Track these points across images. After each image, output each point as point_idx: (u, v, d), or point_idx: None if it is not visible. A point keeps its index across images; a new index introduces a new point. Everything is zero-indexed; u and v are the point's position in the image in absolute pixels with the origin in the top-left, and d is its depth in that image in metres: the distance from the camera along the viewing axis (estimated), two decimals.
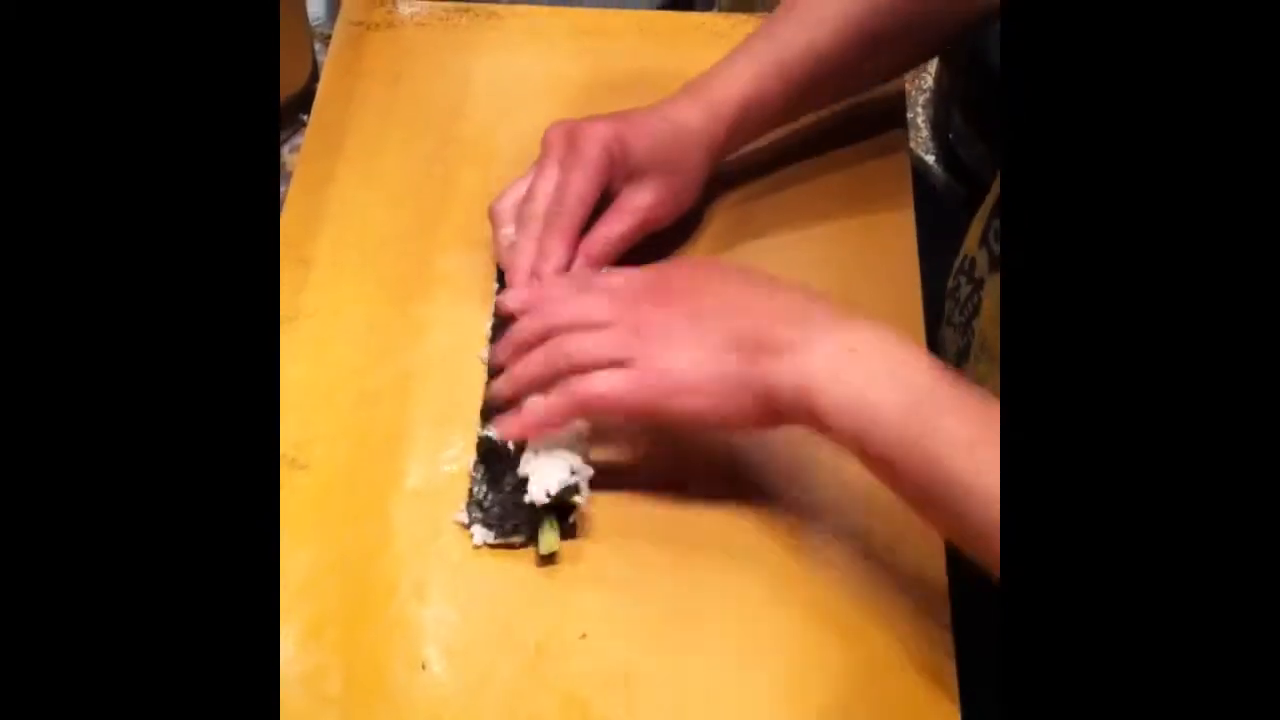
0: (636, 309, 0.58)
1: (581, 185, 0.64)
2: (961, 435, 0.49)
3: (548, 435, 0.60)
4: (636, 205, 0.66)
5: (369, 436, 0.64)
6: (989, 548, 0.48)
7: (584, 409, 0.58)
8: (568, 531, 0.60)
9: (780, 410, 0.55)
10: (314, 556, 0.60)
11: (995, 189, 0.61)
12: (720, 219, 0.73)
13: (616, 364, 0.57)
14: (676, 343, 0.56)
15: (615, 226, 0.66)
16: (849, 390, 0.52)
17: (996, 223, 0.61)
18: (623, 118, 0.67)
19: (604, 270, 0.64)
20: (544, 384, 0.59)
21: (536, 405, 0.58)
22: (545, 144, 0.67)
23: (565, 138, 0.66)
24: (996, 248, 0.60)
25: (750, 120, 0.69)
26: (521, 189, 0.67)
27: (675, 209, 0.68)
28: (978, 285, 0.63)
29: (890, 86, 0.79)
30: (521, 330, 0.61)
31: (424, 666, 0.57)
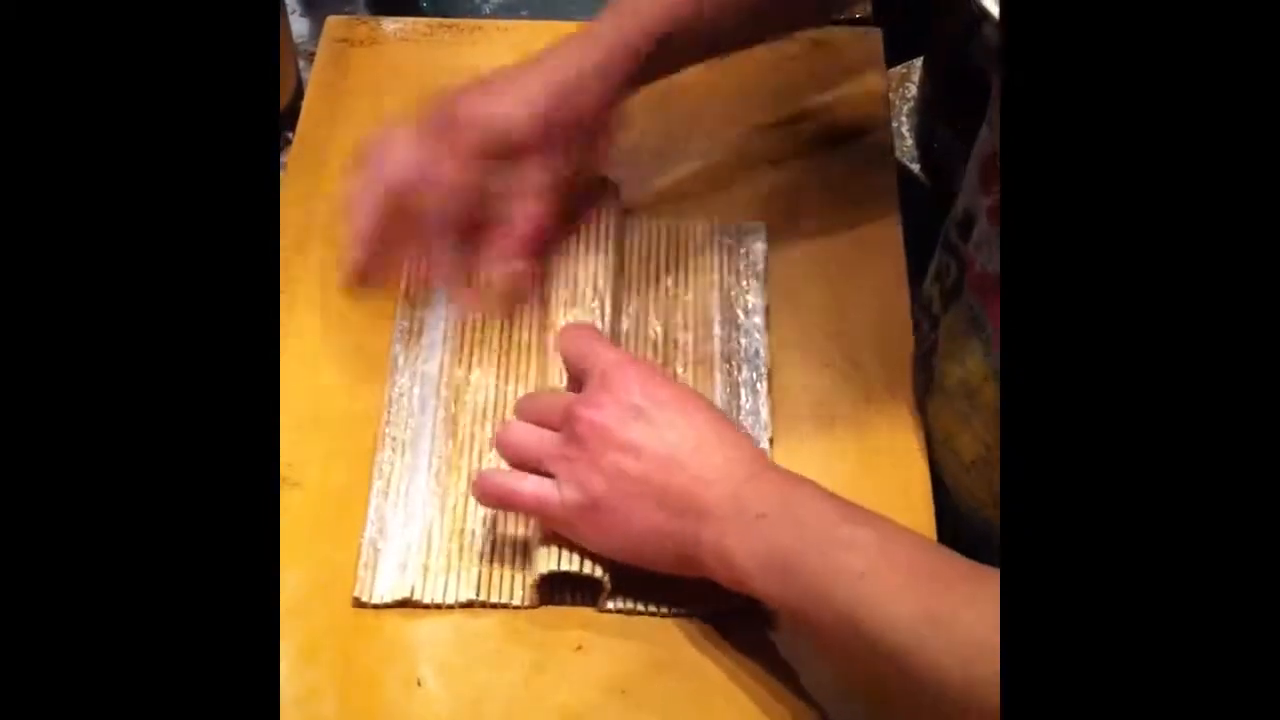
0: (587, 425, 0.57)
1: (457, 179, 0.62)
2: (858, 569, 0.50)
3: None
4: (536, 188, 0.64)
5: (360, 455, 0.64)
6: (888, 671, 0.49)
7: (507, 506, 0.59)
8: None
9: (704, 568, 0.55)
10: (307, 576, 0.60)
11: (943, 230, 0.61)
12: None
13: (545, 471, 0.58)
14: (609, 476, 0.56)
15: (523, 221, 0.64)
16: (759, 558, 0.53)
17: (945, 257, 0.61)
18: (499, 92, 0.63)
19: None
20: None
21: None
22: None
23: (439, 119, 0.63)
24: (947, 282, 0.61)
25: (669, 52, 0.65)
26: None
27: (576, 174, 0.66)
28: (934, 323, 0.63)
29: (875, 95, 0.79)
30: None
31: (419, 684, 0.57)
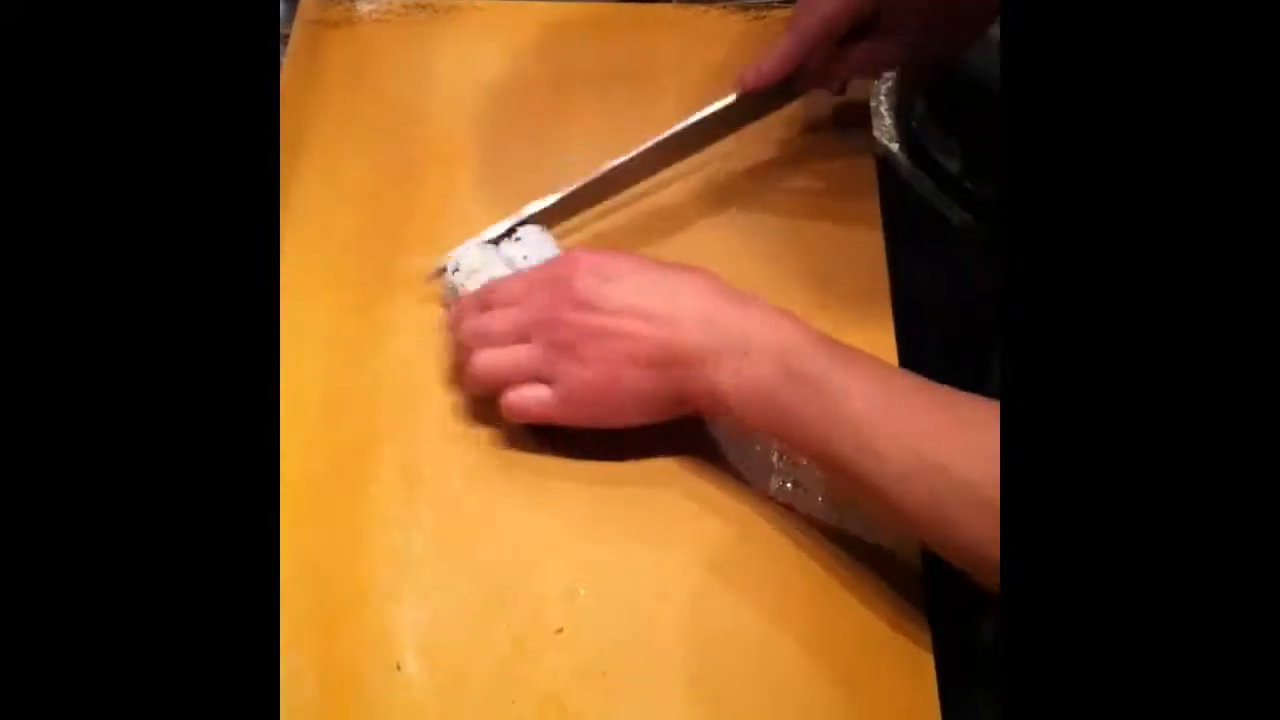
0: (547, 324, 0.61)
1: None
2: (863, 411, 0.53)
3: None
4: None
5: (338, 441, 0.64)
6: (891, 505, 0.53)
7: (517, 418, 0.63)
8: None
9: (700, 409, 0.61)
10: (285, 562, 0.60)
11: None
12: (689, 211, 0.74)
13: (539, 379, 0.61)
14: (590, 361, 0.60)
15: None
16: (754, 397, 0.57)
17: None
18: None
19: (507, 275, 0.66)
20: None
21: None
22: None
23: None
24: None
25: None
26: None
27: None
28: None
29: None
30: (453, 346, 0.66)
31: (399, 668, 0.57)
